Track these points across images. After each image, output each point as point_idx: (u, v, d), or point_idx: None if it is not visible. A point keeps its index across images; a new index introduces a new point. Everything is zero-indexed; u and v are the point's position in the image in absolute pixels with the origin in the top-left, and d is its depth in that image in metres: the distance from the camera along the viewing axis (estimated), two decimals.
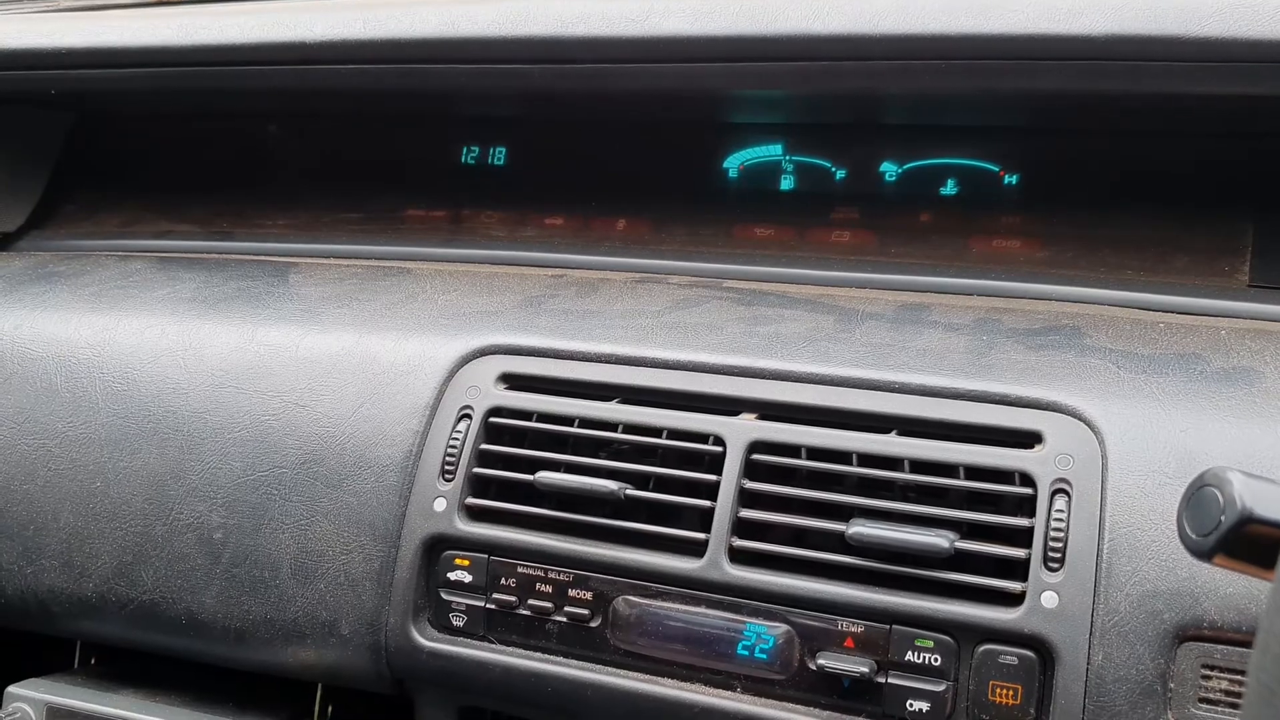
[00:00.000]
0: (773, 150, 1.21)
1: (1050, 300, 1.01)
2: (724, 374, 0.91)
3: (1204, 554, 0.52)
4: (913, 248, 1.13)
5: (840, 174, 1.19)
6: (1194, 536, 0.52)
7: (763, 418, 0.88)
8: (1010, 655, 0.76)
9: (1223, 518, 0.51)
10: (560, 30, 1.06)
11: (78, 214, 1.40)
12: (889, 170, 1.17)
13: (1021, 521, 0.78)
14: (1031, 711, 0.75)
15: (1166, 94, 0.96)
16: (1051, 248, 1.08)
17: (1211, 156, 1.04)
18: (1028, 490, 0.78)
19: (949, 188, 1.15)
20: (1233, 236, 1.02)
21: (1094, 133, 1.10)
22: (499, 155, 1.31)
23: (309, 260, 1.22)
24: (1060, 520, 0.77)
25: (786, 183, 1.21)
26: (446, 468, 0.92)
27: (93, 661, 1.13)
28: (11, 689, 1.04)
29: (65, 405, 1.04)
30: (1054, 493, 0.78)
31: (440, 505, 0.91)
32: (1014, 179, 1.13)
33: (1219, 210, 1.03)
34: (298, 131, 1.37)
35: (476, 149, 1.32)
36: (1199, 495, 0.53)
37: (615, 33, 1.04)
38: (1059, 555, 0.76)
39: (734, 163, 1.23)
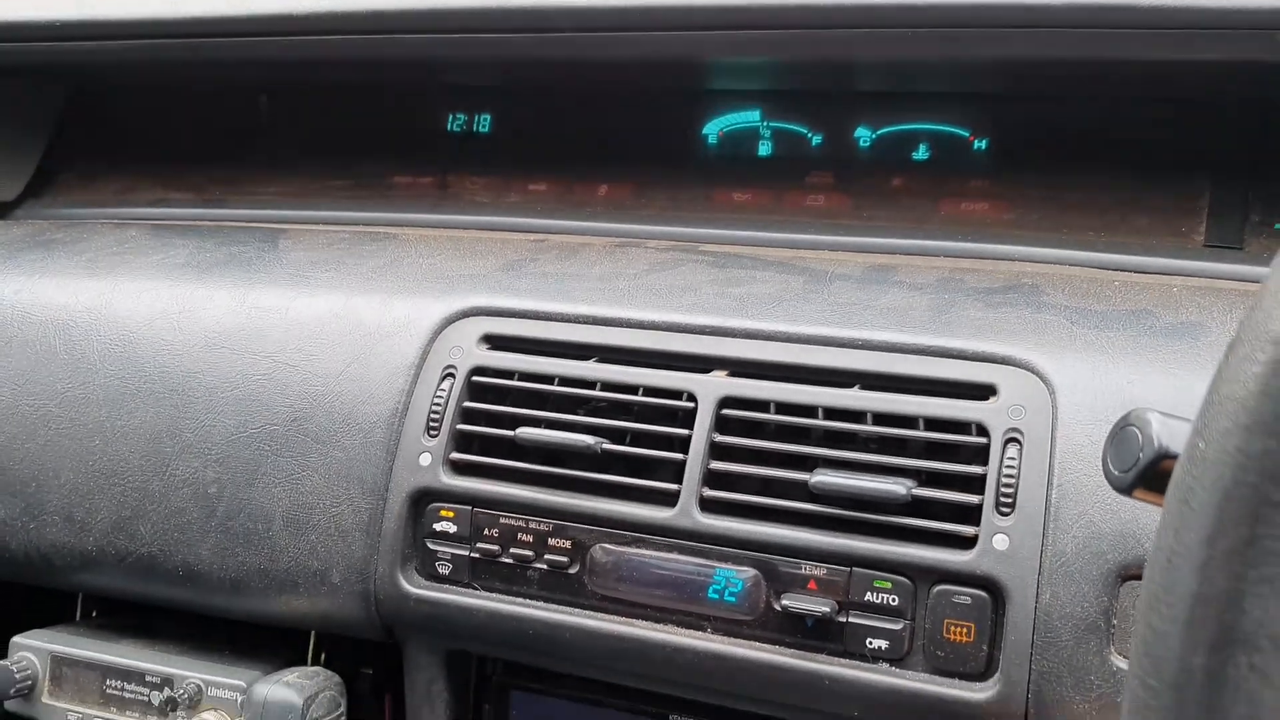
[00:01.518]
0: (751, 116, 1.24)
1: (1013, 260, 1.04)
2: (696, 333, 0.94)
3: (1125, 488, 0.56)
4: (884, 211, 1.16)
5: (816, 139, 1.22)
6: (1116, 472, 0.56)
7: (733, 374, 0.91)
8: (964, 595, 0.80)
9: (1141, 454, 0.55)
10: (538, 0, 1.09)
11: (74, 183, 1.42)
12: (863, 136, 1.20)
13: (975, 469, 0.81)
14: (984, 648, 0.79)
15: (1128, 60, 0.99)
16: (1017, 210, 1.12)
17: (1171, 122, 1.07)
18: (982, 440, 0.82)
19: (920, 152, 1.18)
20: (1190, 199, 1.05)
21: (1061, 99, 1.13)
22: (484, 123, 1.34)
23: (299, 226, 1.25)
24: (1012, 468, 0.80)
25: (764, 148, 1.24)
26: (431, 424, 0.96)
27: (94, 614, 1.17)
28: (16, 639, 1.08)
29: (64, 367, 1.07)
30: (1006, 441, 0.81)
31: (426, 460, 0.95)
32: (983, 144, 1.16)
33: (1177, 174, 1.06)
34: (288, 101, 1.39)
35: (462, 117, 1.35)
36: (1121, 434, 0.56)
37: (594, 1, 1.07)
38: (1010, 501, 0.80)
39: (713, 129, 1.25)
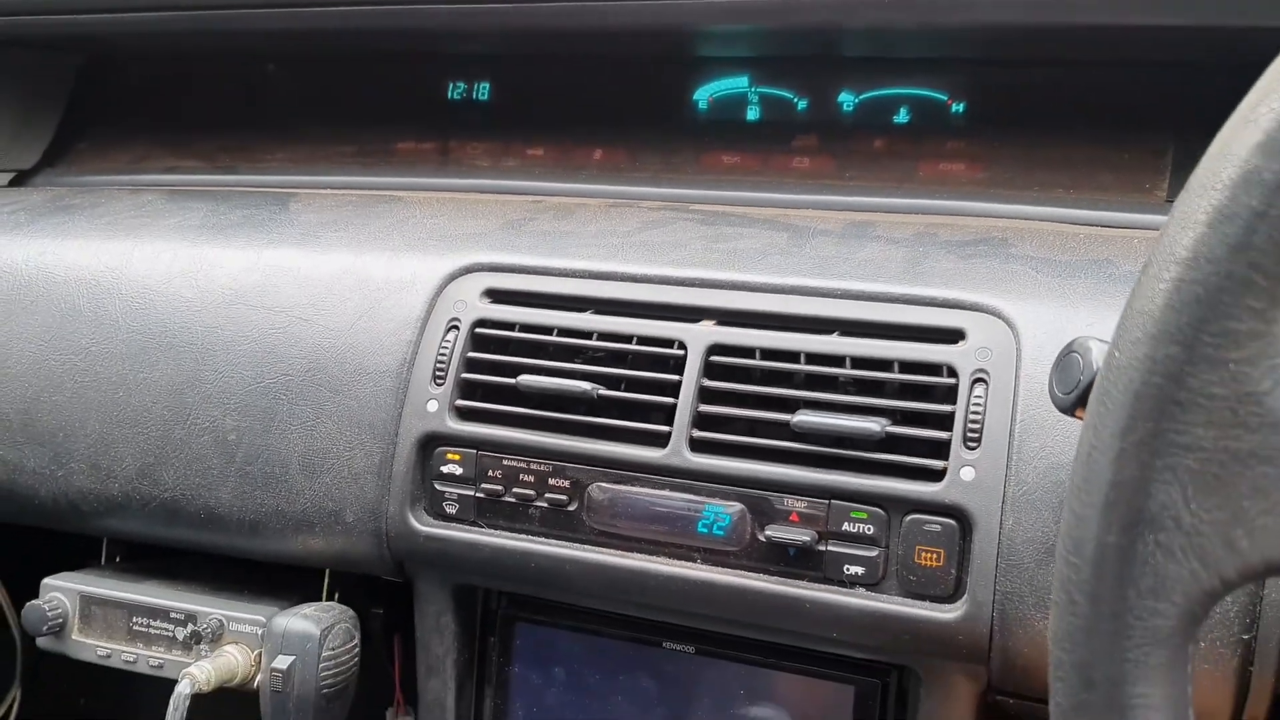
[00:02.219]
0: (739, 83, 1.29)
1: (986, 216, 1.10)
2: (686, 285, 0.99)
3: (1067, 409, 0.62)
4: (866, 171, 1.21)
5: (802, 104, 1.27)
6: (1060, 394, 0.62)
7: (720, 323, 0.96)
8: (933, 523, 0.86)
9: (1081, 377, 0.61)
10: None
11: (89, 151, 1.48)
12: (846, 100, 1.26)
13: (945, 408, 0.87)
14: (953, 571, 0.86)
15: (1094, 25, 1.05)
16: (991, 168, 1.17)
17: (1137, 84, 1.13)
18: (951, 380, 0.88)
19: (901, 116, 1.23)
20: (1154, 157, 1.11)
21: (1034, 62, 1.18)
22: (483, 91, 1.39)
23: (308, 190, 1.30)
24: (978, 405, 0.86)
25: (752, 113, 1.29)
26: (437, 373, 1.01)
27: (117, 559, 1.23)
28: (47, 580, 1.14)
29: (88, 324, 1.13)
30: (974, 381, 0.87)
31: (433, 407, 1.01)
32: (960, 107, 1.21)
33: (1142, 133, 1.12)
34: (294, 70, 1.44)
35: (462, 85, 1.40)
36: (1065, 360, 0.63)
37: None
38: (976, 435, 0.86)
39: (703, 95, 1.30)
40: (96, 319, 1.13)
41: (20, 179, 1.45)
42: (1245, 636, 0.79)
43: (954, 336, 0.90)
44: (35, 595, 1.14)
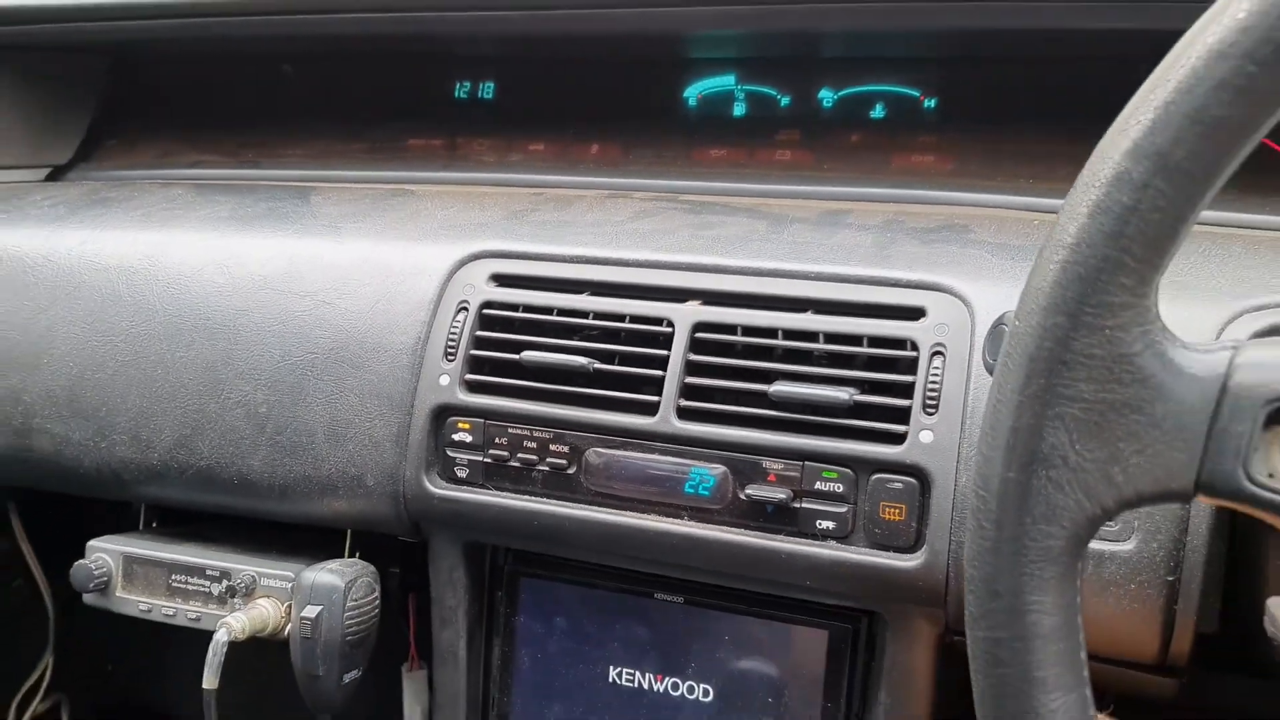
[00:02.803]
0: (726, 81, 1.38)
1: (952, 205, 1.19)
2: (674, 269, 1.08)
3: (992, 372, 0.72)
4: (843, 163, 1.31)
5: (784, 101, 1.37)
6: (989, 360, 0.72)
7: (705, 303, 1.05)
8: (896, 481, 0.96)
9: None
10: None
11: (118, 147, 1.57)
12: (826, 97, 1.35)
13: (906, 378, 0.97)
14: (913, 524, 0.95)
15: (1051, 29, 1.15)
16: (958, 160, 1.27)
17: (1094, 81, 1.22)
18: (913, 353, 0.97)
19: (877, 111, 1.33)
20: None
21: (998, 60, 1.27)
22: (488, 90, 1.49)
23: (325, 184, 1.40)
24: (936, 375, 0.96)
25: (738, 109, 1.38)
26: (449, 350, 1.11)
27: (154, 525, 1.34)
28: (92, 543, 1.24)
29: (127, 308, 1.22)
30: (932, 354, 0.96)
31: (445, 380, 1.10)
32: (932, 103, 1.31)
33: (1099, 127, 1.21)
34: (311, 71, 1.53)
35: (468, 84, 1.49)
36: (994, 332, 0.72)
37: None
38: (934, 402, 0.95)
39: (693, 93, 1.40)
40: (136, 304, 1.22)
41: (55, 174, 1.54)
42: (1170, 579, 0.89)
43: (915, 314, 0.99)
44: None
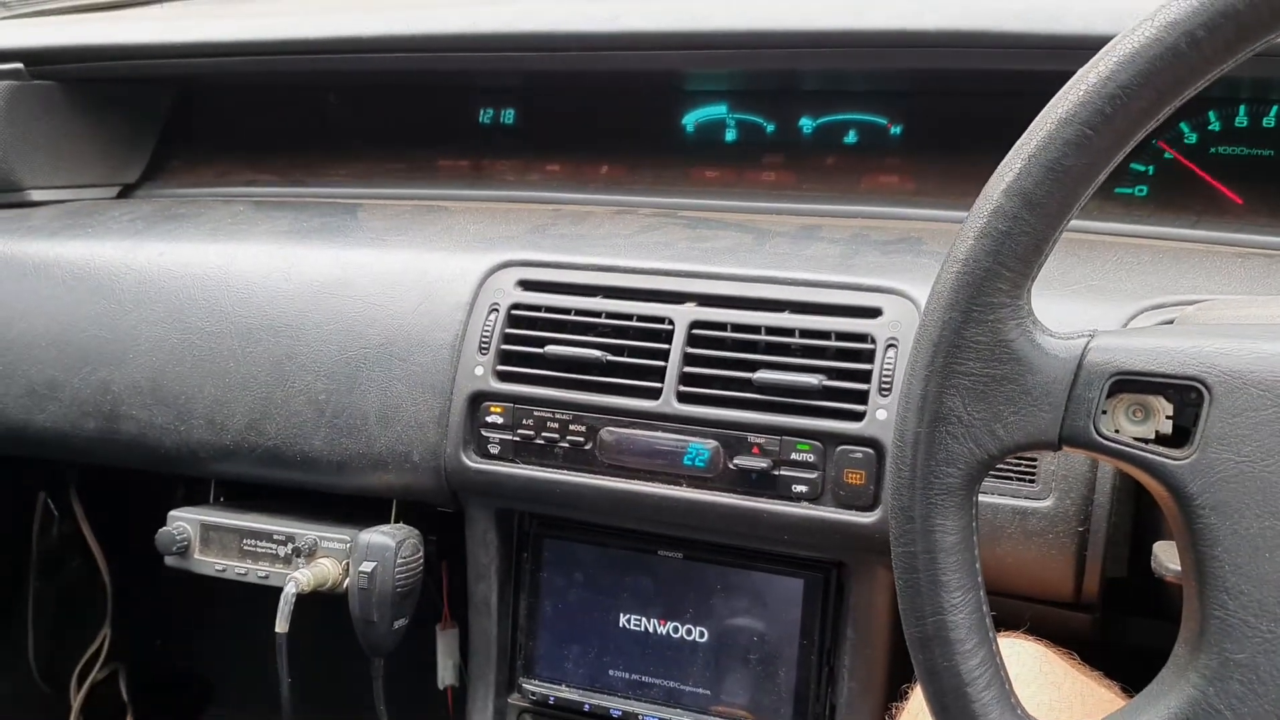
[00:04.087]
0: (719, 110, 1.55)
1: (912, 220, 1.38)
2: (674, 276, 1.24)
3: None
4: (819, 183, 1.49)
5: (770, 128, 1.53)
6: None
7: (700, 305, 1.21)
8: (857, 451, 1.14)
9: None
10: (553, 28, 1.40)
11: (181, 168, 1.74)
12: (806, 125, 1.52)
13: (866, 366, 1.14)
14: (871, 487, 1.13)
15: (995, 69, 1.33)
16: (920, 181, 1.45)
17: (1031, 113, 1.41)
18: (871, 346, 1.15)
19: (850, 137, 1.51)
20: None
21: (956, 93, 1.44)
22: (509, 117, 1.64)
23: (369, 201, 1.59)
24: (890, 364, 1.14)
25: (730, 135, 1.55)
26: (482, 345, 1.27)
27: (222, 499, 1.52)
28: (173, 513, 1.41)
29: (202, 309, 1.38)
30: (887, 346, 1.14)
31: (479, 371, 1.26)
32: (898, 129, 1.49)
33: None
34: (353, 100, 1.69)
35: (491, 112, 1.65)
36: None
37: (593, 29, 1.39)
38: (888, 386, 1.14)
39: (690, 120, 1.56)
40: (209, 307, 1.39)
41: (125, 191, 1.73)
42: (1080, 530, 1.08)
43: (874, 313, 1.16)
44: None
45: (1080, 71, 0.70)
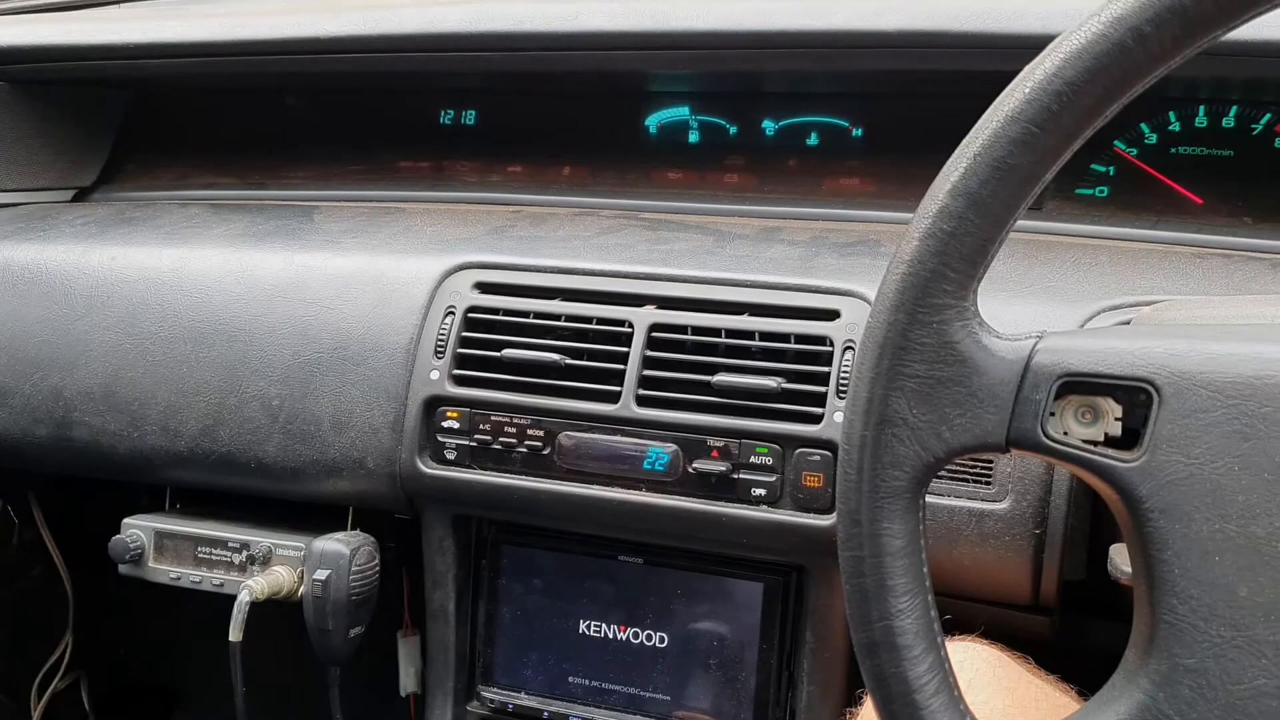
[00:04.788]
0: (681, 112, 1.54)
1: (872, 222, 1.37)
2: (634, 278, 1.23)
3: None
4: (781, 185, 1.48)
5: (733, 130, 1.53)
6: None
7: (660, 307, 1.20)
8: (815, 454, 1.13)
9: None
10: (512, 27, 1.38)
11: (138, 171, 1.72)
12: (768, 127, 1.52)
13: (824, 369, 1.13)
14: (829, 490, 1.12)
15: (952, 71, 1.32)
16: (880, 183, 1.45)
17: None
18: (829, 348, 1.14)
19: (812, 139, 1.50)
20: None
21: (917, 96, 1.43)
22: (470, 118, 1.63)
23: (326, 203, 1.57)
24: (848, 366, 1.14)
25: (692, 137, 1.54)
26: (438, 349, 1.25)
27: (177, 506, 1.50)
28: (127, 520, 1.39)
29: (155, 314, 1.36)
30: (845, 349, 1.13)
31: (435, 375, 1.24)
32: (859, 132, 1.49)
33: None
34: (312, 102, 1.68)
35: (452, 112, 1.64)
36: None
37: (553, 29, 1.37)
38: (846, 388, 1.14)
39: (652, 121, 1.55)
40: (163, 311, 1.37)
41: (81, 195, 1.70)
42: (1037, 532, 1.07)
43: (832, 316, 1.16)
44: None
45: (1026, 69, 0.69)
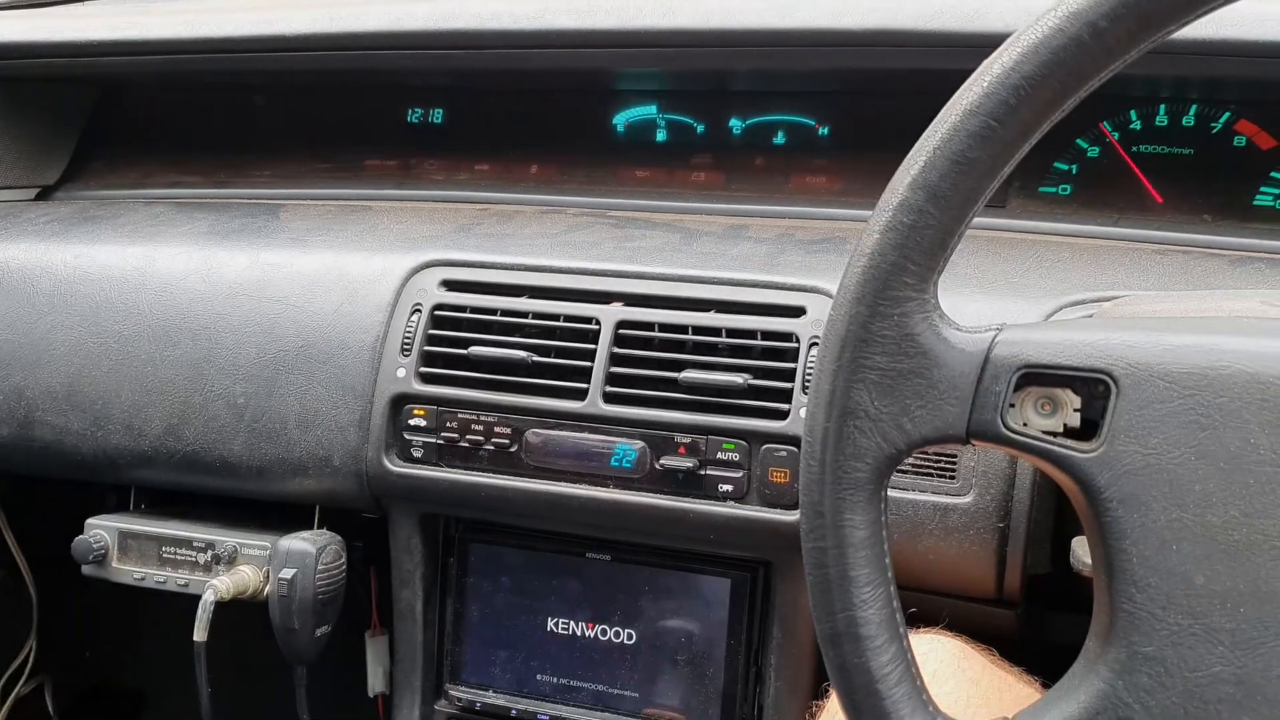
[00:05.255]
0: (649, 110, 1.54)
1: (838, 220, 1.38)
2: (601, 275, 1.24)
3: None
4: (748, 184, 1.48)
5: (700, 128, 1.52)
6: None
7: (627, 305, 1.20)
8: (781, 450, 1.14)
9: None
10: (478, 25, 1.38)
11: (103, 169, 1.70)
12: (735, 125, 1.52)
13: (790, 365, 1.14)
14: (795, 486, 1.13)
15: (917, 69, 1.33)
16: (846, 181, 1.45)
17: None
18: (795, 345, 1.14)
19: (779, 138, 1.50)
20: None
21: (883, 94, 1.44)
22: (437, 116, 1.62)
23: (293, 201, 1.56)
24: (813, 362, 1.15)
25: (660, 135, 1.54)
26: (405, 347, 1.25)
27: (142, 506, 1.49)
28: (90, 520, 1.38)
29: (119, 312, 1.35)
30: (810, 345, 1.14)
31: (401, 373, 1.24)
32: (825, 130, 1.49)
33: None
34: (279, 100, 1.66)
35: (419, 110, 1.63)
36: None
37: (518, 27, 1.37)
38: None
39: (620, 120, 1.55)
40: (126, 309, 1.36)
41: (44, 193, 1.69)
42: (1001, 525, 1.08)
43: (798, 312, 1.16)
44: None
45: (984, 63, 0.70)
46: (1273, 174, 1.29)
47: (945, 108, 0.73)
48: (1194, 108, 1.32)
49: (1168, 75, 1.28)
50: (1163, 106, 1.33)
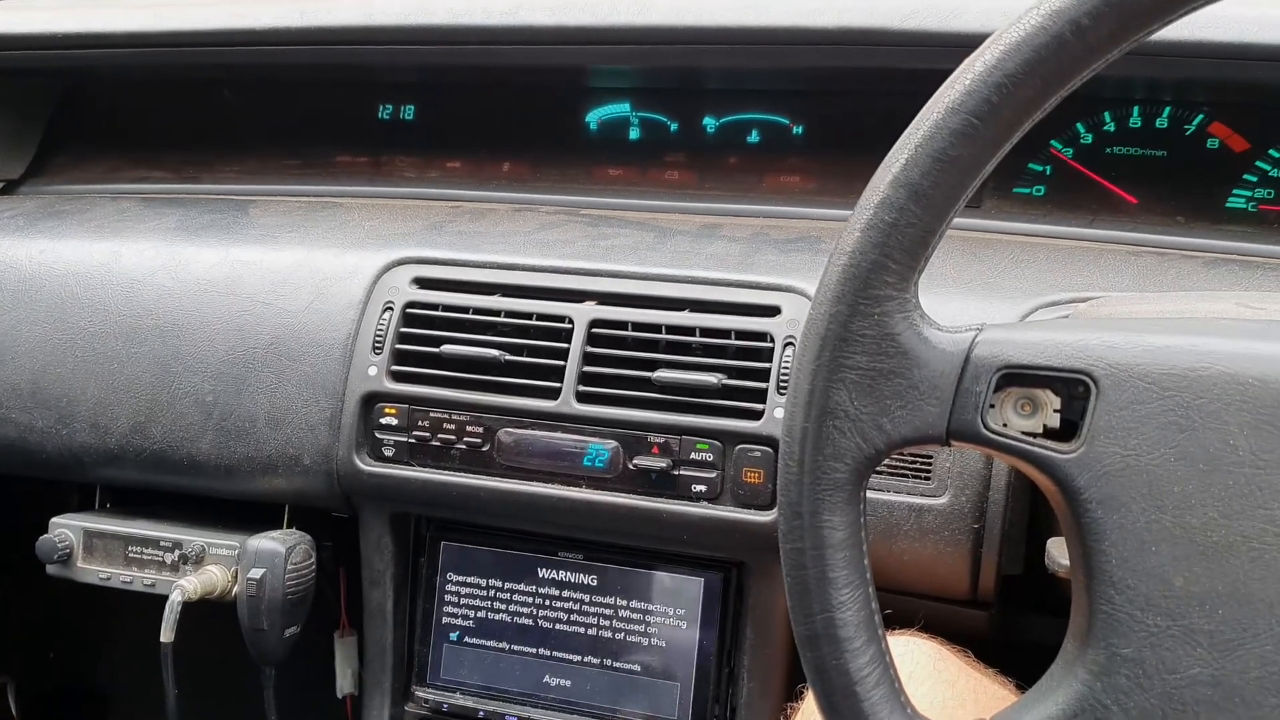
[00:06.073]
0: (622, 108, 1.53)
1: (812, 219, 1.37)
2: (574, 274, 1.23)
3: None
4: (722, 182, 1.48)
5: (674, 127, 1.52)
6: None
7: (600, 303, 1.20)
8: (755, 450, 1.13)
9: None
10: (451, 20, 1.37)
11: (68, 164, 1.68)
12: (709, 124, 1.51)
13: (764, 365, 1.14)
14: (769, 486, 1.12)
15: (892, 68, 1.33)
16: (820, 180, 1.45)
17: None
18: (769, 344, 1.14)
19: (753, 136, 1.50)
20: None
21: (858, 93, 1.43)
22: (409, 112, 1.61)
23: (263, 197, 1.54)
24: (788, 362, 1.14)
25: (633, 133, 1.53)
26: (376, 345, 1.24)
27: (108, 505, 1.47)
28: (55, 519, 1.36)
29: (85, 309, 1.33)
30: (785, 345, 1.14)
31: (373, 371, 1.23)
32: (800, 129, 1.49)
33: None
34: (247, 94, 1.64)
35: (391, 107, 1.61)
36: None
37: (492, 23, 1.36)
38: (786, 384, 1.13)
39: (593, 118, 1.54)
40: (92, 305, 1.34)
41: (8, 188, 1.66)
42: (975, 526, 1.08)
43: (772, 312, 1.16)
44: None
45: (967, 61, 0.70)
46: (1245, 176, 1.29)
47: (927, 105, 0.72)
48: (1168, 109, 1.32)
49: (1141, 77, 1.28)
50: (1136, 108, 1.33)
